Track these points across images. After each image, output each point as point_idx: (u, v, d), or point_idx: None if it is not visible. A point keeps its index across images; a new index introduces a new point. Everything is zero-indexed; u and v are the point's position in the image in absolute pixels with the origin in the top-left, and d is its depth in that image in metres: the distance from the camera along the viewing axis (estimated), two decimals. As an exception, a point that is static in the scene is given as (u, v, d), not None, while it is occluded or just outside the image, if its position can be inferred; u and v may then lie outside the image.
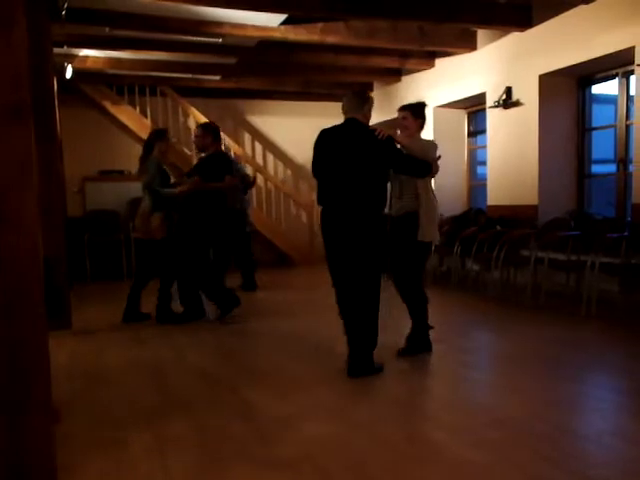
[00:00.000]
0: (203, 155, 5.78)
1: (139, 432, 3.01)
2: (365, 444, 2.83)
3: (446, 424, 3.06)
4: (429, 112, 5.21)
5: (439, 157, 4.20)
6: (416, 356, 4.30)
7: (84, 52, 8.04)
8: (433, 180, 4.38)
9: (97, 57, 8.25)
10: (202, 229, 5.55)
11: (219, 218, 5.65)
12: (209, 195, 5.54)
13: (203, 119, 9.63)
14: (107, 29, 6.86)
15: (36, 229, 2.17)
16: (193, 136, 5.78)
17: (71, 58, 7.97)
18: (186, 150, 9.51)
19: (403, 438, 2.89)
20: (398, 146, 4.08)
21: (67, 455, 2.68)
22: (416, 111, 4.37)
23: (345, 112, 4.02)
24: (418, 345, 4.35)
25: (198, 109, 9.66)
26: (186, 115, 9.76)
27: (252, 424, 3.10)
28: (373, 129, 3.93)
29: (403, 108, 4.39)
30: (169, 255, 5.60)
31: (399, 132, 4.38)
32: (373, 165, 3.87)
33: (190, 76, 9.18)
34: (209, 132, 5.67)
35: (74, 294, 6.38)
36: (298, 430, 3.00)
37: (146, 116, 9.46)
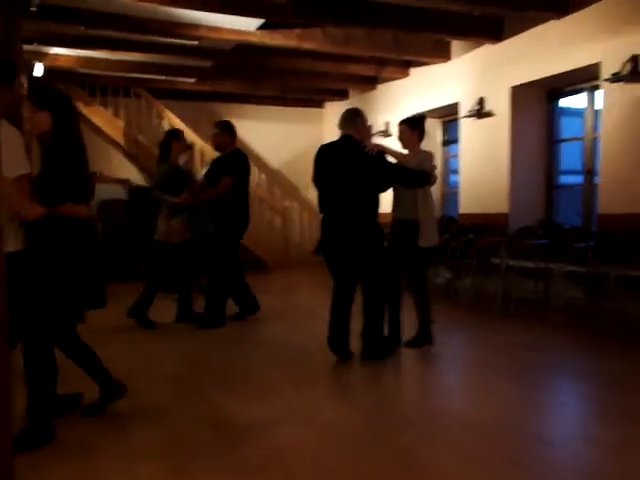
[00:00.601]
0: (221, 153, 5.62)
1: (105, 439, 2.92)
2: (336, 449, 2.82)
3: (417, 430, 3.08)
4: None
5: (435, 167, 4.52)
6: (386, 361, 4.38)
7: (55, 50, 7.89)
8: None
9: (69, 56, 8.12)
10: (231, 232, 5.52)
11: (243, 221, 5.59)
12: (235, 198, 5.43)
13: (178, 122, 9.58)
14: (82, 28, 6.76)
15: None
16: (212, 135, 5.66)
17: (41, 56, 7.81)
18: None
19: (374, 443, 2.89)
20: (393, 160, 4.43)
21: (29, 463, 2.57)
22: (412, 124, 4.70)
23: (340, 128, 4.41)
24: (422, 338, 4.65)
25: (173, 111, 9.58)
26: (160, 117, 9.67)
27: (223, 430, 3.05)
28: (363, 146, 4.26)
29: (401, 122, 4.74)
30: (187, 259, 5.55)
31: (401, 146, 4.70)
32: (364, 178, 4.23)
33: (165, 78, 9.11)
34: (228, 131, 5.54)
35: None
36: (269, 435, 2.96)
37: (119, 117, 9.34)
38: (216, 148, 5.70)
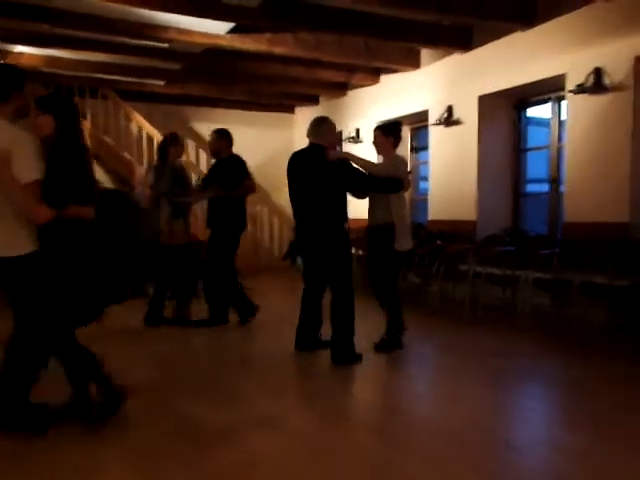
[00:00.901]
0: (215, 160, 5.79)
1: (67, 447, 2.86)
2: (305, 456, 2.81)
3: (386, 436, 3.09)
4: (371, 127, 5.44)
5: (410, 172, 4.48)
6: (360, 365, 4.41)
7: (19, 48, 7.68)
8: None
9: (34, 54, 7.90)
10: (229, 236, 5.59)
11: (241, 224, 5.68)
12: (232, 202, 5.55)
13: (146, 124, 9.44)
14: (46, 26, 6.59)
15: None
16: (208, 142, 5.84)
17: (4, 54, 7.60)
18: (127, 155, 9.25)
19: (343, 449, 2.89)
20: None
21: None
22: (386, 130, 4.81)
23: (308, 136, 4.59)
24: (391, 342, 4.71)
25: (141, 114, 9.43)
26: (128, 120, 9.50)
27: (193, 436, 3.02)
28: (325, 153, 4.41)
29: (375, 128, 4.87)
30: (189, 261, 5.62)
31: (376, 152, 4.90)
32: (326, 186, 4.38)
33: (134, 80, 8.95)
34: (224, 136, 5.70)
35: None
36: (240, 441, 2.95)
37: (85, 119, 9.14)
38: (213, 155, 5.84)
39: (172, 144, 5.68)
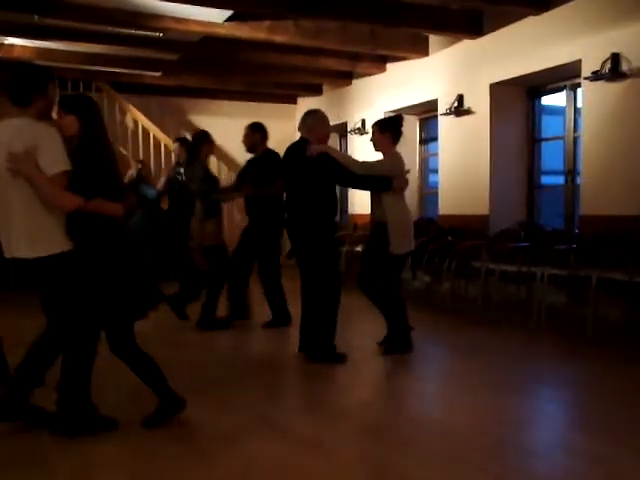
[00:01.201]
0: (253, 155, 5.72)
1: (63, 453, 2.82)
2: (306, 462, 2.73)
3: (391, 439, 3.03)
4: (377, 118, 5.23)
5: (408, 171, 4.55)
6: (365, 367, 4.34)
7: (10, 40, 7.53)
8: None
9: (25, 46, 7.76)
10: (268, 235, 5.53)
11: (276, 223, 5.52)
12: (268, 199, 5.46)
13: (141, 117, 9.21)
14: (35, 17, 6.37)
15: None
16: (243, 136, 5.70)
17: (-5, 47, 7.43)
18: (122, 150, 9.01)
19: (346, 453, 2.83)
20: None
21: None
22: (382, 126, 4.63)
23: (298, 130, 4.59)
24: (399, 345, 4.56)
25: (137, 107, 9.24)
26: (123, 113, 9.32)
27: (188, 443, 2.96)
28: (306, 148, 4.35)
29: (372, 124, 4.74)
30: (219, 263, 5.52)
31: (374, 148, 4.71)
32: (309, 180, 4.31)
33: (128, 71, 8.77)
34: (258, 131, 5.62)
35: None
36: (237, 448, 2.88)
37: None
38: (248, 150, 5.72)
39: (204, 142, 5.64)
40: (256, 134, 5.60)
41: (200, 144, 5.62)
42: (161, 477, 2.61)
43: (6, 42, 7.55)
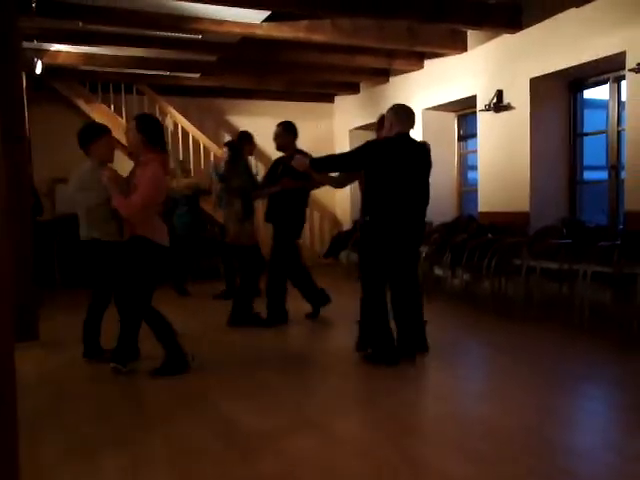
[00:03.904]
0: (283, 155, 5.75)
1: (111, 450, 2.87)
2: (350, 460, 2.74)
3: (435, 438, 3.02)
4: (418, 115, 5.16)
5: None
6: (406, 366, 4.26)
7: (55, 47, 7.72)
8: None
9: (69, 52, 7.93)
10: (290, 231, 5.67)
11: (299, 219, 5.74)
12: (294, 196, 5.60)
13: (181, 118, 9.35)
14: (80, 23, 6.54)
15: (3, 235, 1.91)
16: (273, 135, 5.76)
17: (42, 53, 7.65)
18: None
19: (390, 453, 2.79)
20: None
21: (33, 475, 2.52)
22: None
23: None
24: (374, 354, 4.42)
25: (177, 108, 9.38)
26: (164, 114, 9.44)
27: (232, 440, 2.97)
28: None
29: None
30: (256, 262, 5.68)
31: None
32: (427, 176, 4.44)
33: (168, 74, 8.90)
34: (290, 130, 5.65)
35: (42, 302, 6.05)
36: (280, 447, 2.88)
37: (121, 115, 9.13)
38: (278, 148, 5.78)
39: (246, 141, 5.85)
40: (289, 134, 5.64)
41: (243, 144, 5.79)
42: (204, 474, 2.62)
43: (52, 49, 7.76)
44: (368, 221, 4.27)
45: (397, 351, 4.26)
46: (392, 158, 4.17)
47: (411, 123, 4.34)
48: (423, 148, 4.36)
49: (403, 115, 4.31)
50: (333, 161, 4.51)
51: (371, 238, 4.27)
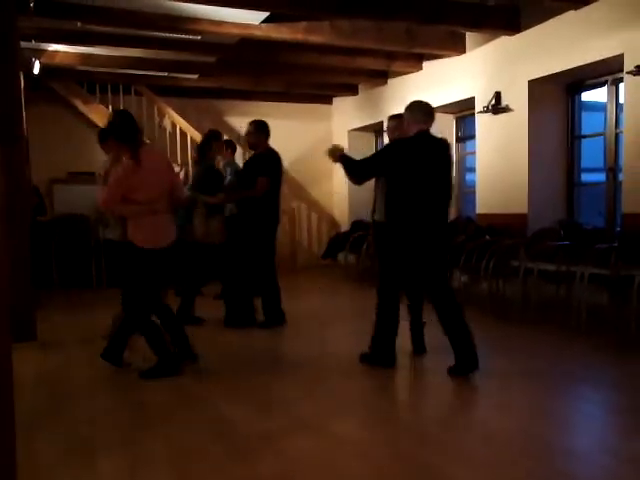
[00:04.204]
0: (253, 153, 5.68)
1: (109, 451, 2.88)
2: (349, 461, 2.73)
3: (434, 441, 2.99)
4: None
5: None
6: (403, 369, 4.27)
7: (53, 47, 7.70)
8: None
9: (67, 52, 7.92)
10: (262, 234, 5.52)
11: (270, 223, 5.58)
12: (260, 201, 5.45)
13: (180, 119, 9.34)
14: (78, 23, 6.53)
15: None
16: (244, 133, 5.71)
17: (39, 53, 7.63)
18: (162, 151, 9.16)
19: (389, 455, 2.79)
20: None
21: (31, 476, 2.52)
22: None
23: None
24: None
25: (175, 109, 9.37)
26: (162, 115, 9.45)
27: (230, 441, 2.96)
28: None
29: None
30: (229, 260, 5.59)
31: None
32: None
33: (166, 74, 8.89)
34: (261, 129, 5.55)
35: (39, 302, 6.03)
36: (279, 447, 2.87)
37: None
38: (249, 147, 5.72)
39: (214, 140, 5.68)
40: (260, 133, 5.53)
41: (210, 143, 5.61)
42: (203, 475, 2.62)
43: (50, 49, 7.73)
44: (388, 223, 4.13)
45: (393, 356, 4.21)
46: (414, 158, 4.02)
47: (430, 119, 4.14)
48: (444, 145, 4.20)
49: (419, 112, 4.13)
50: (360, 167, 4.25)
51: (393, 241, 4.12)
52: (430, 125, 4.14)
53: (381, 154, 4.22)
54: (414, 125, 4.09)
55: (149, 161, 3.89)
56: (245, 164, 5.90)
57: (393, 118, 4.74)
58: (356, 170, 4.23)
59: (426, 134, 4.11)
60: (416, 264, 4.12)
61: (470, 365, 3.98)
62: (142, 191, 3.87)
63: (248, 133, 5.62)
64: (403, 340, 4.40)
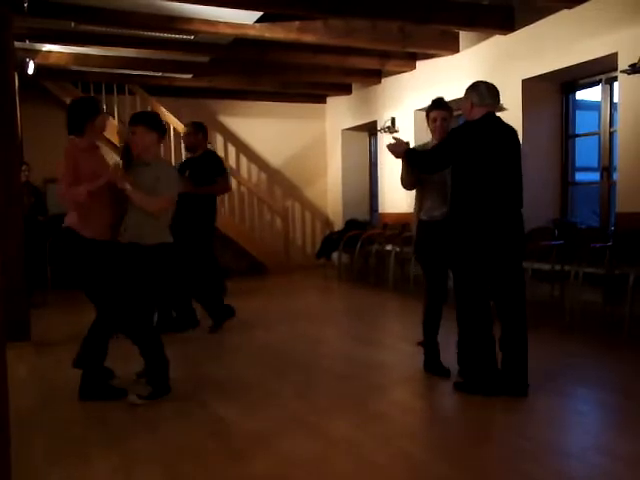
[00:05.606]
0: (191, 155, 5.63)
1: (103, 450, 2.89)
2: (343, 460, 2.75)
3: (427, 441, 3.01)
4: (408, 116, 5.09)
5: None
6: (396, 370, 4.28)
7: (47, 47, 7.67)
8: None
9: (61, 52, 7.89)
10: (196, 235, 5.39)
11: (209, 223, 5.51)
12: (201, 199, 5.37)
13: (173, 119, 9.32)
14: (72, 24, 6.51)
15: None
16: (182, 134, 5.68)
17: (33, 53, 7.61)
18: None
19: (382, 455, 2.80)
20: None
21: (25, 475, 2.53)
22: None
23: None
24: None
25: (169, 109, 9.33)
26: (156, 115, 9.39)
27: (223, 441, 2.98)
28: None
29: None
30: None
31: None
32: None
33: (160, 74, 8.87)
34: (200, 130, 5.56)
35: (33, 303, 6.02)
36: (272, 447, 2.88)
37: (114, 116, 9.08)
38: (187, 148, 5.66)
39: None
40: (199, 134, 5.53)
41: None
42: (196, 474, 2.62)
43: (43, 49, 7.71)
44: (458, 220, 3.65)
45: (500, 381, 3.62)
46: (487, 143, 3.54)
47: (496, 101, 3.68)
48: (512, 130, 3.75)
49: (487, 93, 3.62)
50: (431, 158, 3.71)
51: (464, 240, 3.62)
52: (496, 108, 3.71)
53: (453, 138, 3.63)
54: (480, 108, 3.60)
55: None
56: (183, 165, 5.65)
57: (441, 108, 4.00)
58: (427, 162, 3.71)
59: (495, 117, 3.66)
60: (490, 268, 3.63)
61: (520, 388, 3.56)
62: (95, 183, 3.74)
63: (186, 135, 5.61)
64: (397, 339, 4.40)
